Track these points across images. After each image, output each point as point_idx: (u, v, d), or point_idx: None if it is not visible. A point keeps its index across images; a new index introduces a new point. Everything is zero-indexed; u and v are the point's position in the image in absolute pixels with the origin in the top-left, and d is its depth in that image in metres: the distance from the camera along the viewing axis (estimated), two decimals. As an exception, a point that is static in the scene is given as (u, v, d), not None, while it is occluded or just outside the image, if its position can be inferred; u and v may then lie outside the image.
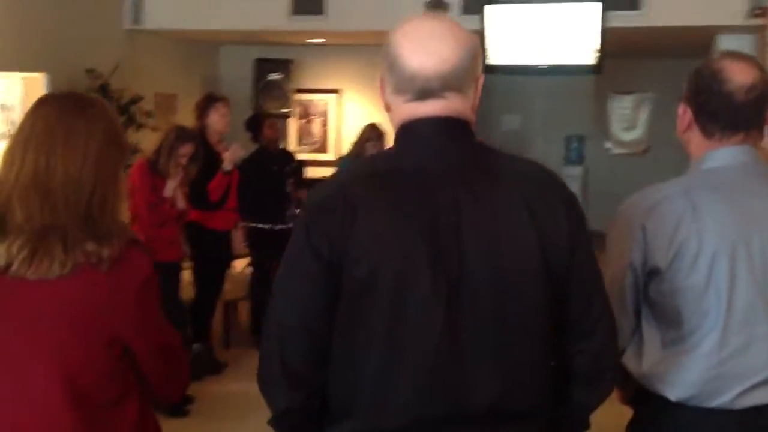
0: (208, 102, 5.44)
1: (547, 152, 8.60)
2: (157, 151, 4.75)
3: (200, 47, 8.62)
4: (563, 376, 1.61)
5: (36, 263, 1.59)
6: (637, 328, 1.92)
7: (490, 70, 6.29)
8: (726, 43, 6.66)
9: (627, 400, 2.00)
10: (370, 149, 6.33)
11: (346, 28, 7.12)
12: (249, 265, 6.54)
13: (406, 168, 1.56)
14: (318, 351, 1.56)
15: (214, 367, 5.55)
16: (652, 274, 1.84)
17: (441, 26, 1.61)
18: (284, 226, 6.15)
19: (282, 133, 6.51)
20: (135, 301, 1.65)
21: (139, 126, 6.54)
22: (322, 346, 1.55)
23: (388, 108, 1.67)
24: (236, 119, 5.56)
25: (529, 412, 1.56)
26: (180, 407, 4.66)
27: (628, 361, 1.91)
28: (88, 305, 1.61)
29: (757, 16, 5.95)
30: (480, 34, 6.29)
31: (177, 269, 4.94)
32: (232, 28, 7.34)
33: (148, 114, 6.76)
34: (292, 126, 8.80)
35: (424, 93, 1.57)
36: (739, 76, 1.84)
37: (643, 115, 8.71)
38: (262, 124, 6.16)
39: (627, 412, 2.02)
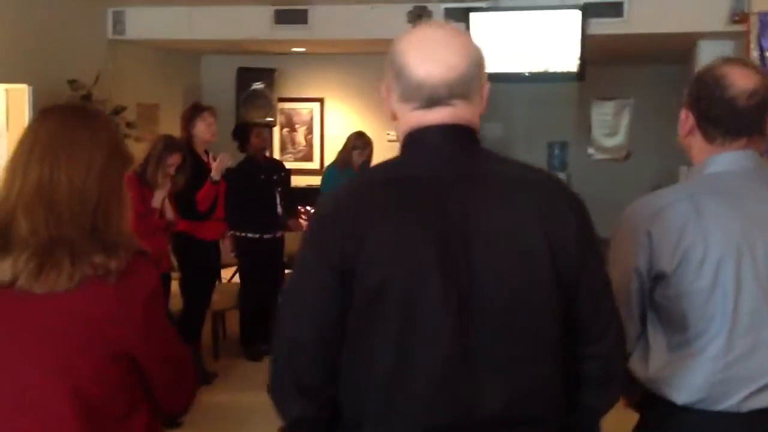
0: (194, 112, 5.42)
1: (529, 159, 8.46)
2: (145, 162, 4.72)
3: (182, 57, 8.61)
4: (573, 381, 1.62)
5: (43, 277, 1.57)
6: (643, 333, 1.93)
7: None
8: (707, 49, 6.73)
9: (632, 405, 2.01)
10: (357, 157, 6.34)
11: (329, 36, 7.13)
12: (236, 273, 6.52)
13: (415, 176, 1.56)
14: (330, 361, 1.55)
15: (203, 378, 5.52)
16: (657, 278, 1.85)
17: (446, 34, 1.61)
18: (273, 235, 6.14)
19: (267, 143, 6.51)
20: (142, 312, 1.64)
21: (123, 137, 6.50)
22: (334, 357, 1.55)
23: (394, 116, 1.66)
24: (219, 129, 5.55)
25: (540, 419, 1.56)
26: (174, 418, 4.62)
27: (634, 365, 1.92)
28: (96, 318, 1.60)
29: (737, 22, 6.01)
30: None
31: (166, 280, 4.91)
32: (215, 38, 7.33)
33: (131, 125, 6.73)
34: (276, 135, 8.79)
35: (431, 101, 1.57)
36: (741, 82, 1.85)
37: (624, 121, 8.76)
38: (249, 133, 6.14)
39: (632, 417, 2.03)
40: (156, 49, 7.98)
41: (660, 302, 1.87)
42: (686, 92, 1.95)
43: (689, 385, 1.84)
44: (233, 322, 6.36)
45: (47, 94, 5.75)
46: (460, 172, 1.56)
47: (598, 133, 8.85)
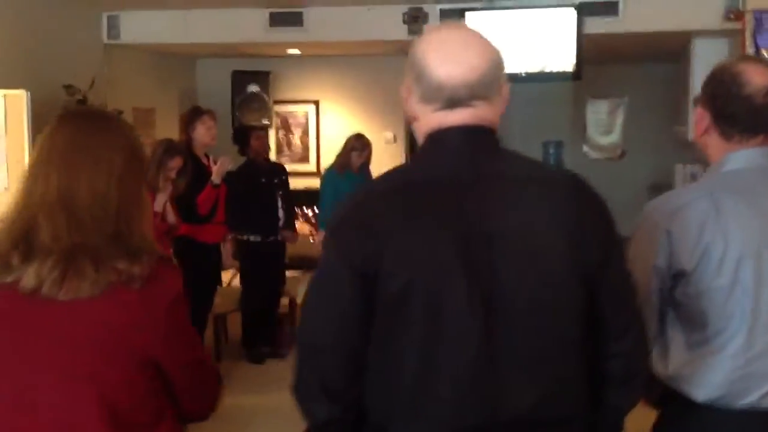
0: (194, 115, 5.42)
1: (525, 158, 8.55)
2: (146, 166, 4.71)
3: (177, 60, 8.58)
4: (597, 380, 1.62)
5: (67, 284, 1.56)
6: (662, 331, 1.94)
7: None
8: (702, 47, 6.75)
9: (651, 403, 2.01)
10: (356, 159, 6.35)
11: (324, 38, 7.12)
12: (235, 275, 6.52)
13: (436, 177, 1.56)
14: (354, 364, 1.56)
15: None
16: (677, 276, 1.86)
17: (466, 35, 1.62)
18: (275, 238, 6.14)
19: (268, 146, 6.52)
20: (166, 318, 1.63)
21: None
22: (359, 360, 1.55)
23: (414, 118, 1.66)
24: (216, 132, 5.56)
25: (566, 419, 1.57)
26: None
27: (654, 363, 1.93)
28: (120, 325, 1.59)
29: (732, 20, 6.03)
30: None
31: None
32: (210, 41, 7.32)
33: (128, 129, 6.69)
34: (272, 137, 8.78)
35: (452, 102, 1.57)
36: (758, 79, 1.86)
37: (619, 120, 8.77)
38: (250, 136, 6.14)
39: (650, 415, 2.04)
40: (151, 53, 7.96)
41: (680, 300, 1.88)
42: (701, 90, 1.96)
43: (709, 382, 1.85)
44: (235, 325, 6.36)
45: (43, 100, 5.73)
46: (481, 173, 1.56)
47: (593, 131, 8.86)
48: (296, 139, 8.94)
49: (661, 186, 8.40)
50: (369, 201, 1.59)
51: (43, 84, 5.88)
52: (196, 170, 5.11)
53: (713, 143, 1.95)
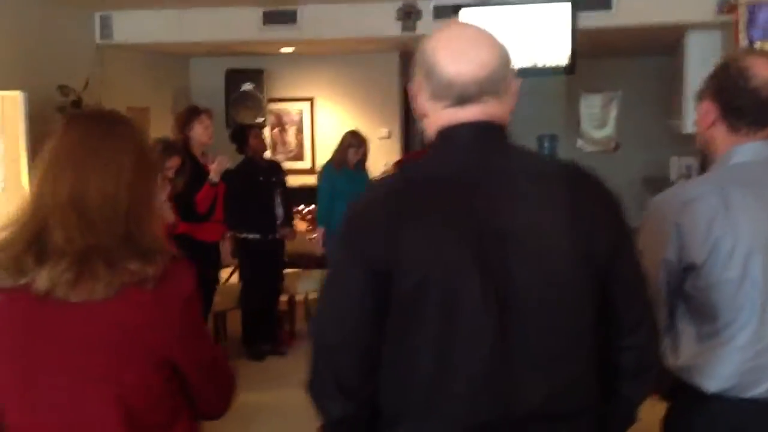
0: (191, 114, 5.41)
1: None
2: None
3: (170, 60, 8.57)
4: (609, 372, 1.63)
5: (81, 285, 1.55)
6: (672, 323, 1.95)
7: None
8: (695, 40, 6.77)
9: (661, 395, 2.03)
10: (352, 156, 6.35)
11: (318, 36, 7.12)
12: (233, 273, 6.52)
13: (447, 174, 1.57)
14: (369, 361, 1.56)
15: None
16: (687, 270, 1.87)
17: (475, 32, 1.63)
18: (273, 236, 6.15)
19: (266, 144, 6.52)
20: (180, 317, 1.63)
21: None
22: (373, 358, 1.56)
23: (424, 115, 1.67)
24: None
25: (579, 412, 1.58)
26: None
27: (664, 355, 1.94)
28: (135, 325, 1.59)
29: (726, 12, 6.04)
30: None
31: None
32: (204, 40, 7.30)
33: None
34: (267, 135, 8.77)
35: (462, 99, 1.58)
36: (765, 72, 1.87)
37: (613, 113, 8.81)
38: (248, 135, 6.14)
39: (660, 407, 2.05)
40: (144, 52, 7.94)
41: (690, 293, 1.90)
42: (707, 84, 1.97)
43: (719, 374, 1.87)
44: (235, 323, 6.36)
45: (37, 101, 5.72)
46: (492, 170, 1.57)
47: (587, 125, 8.89)
48: (291, 137, 8.93)
49: (654, 179, 8.45)
50: (380, 199, 1.59)
51: (36, 85, 5.87)
52: (194, 169, 5.10)
53: (720, 136, 1.96)
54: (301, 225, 7.19)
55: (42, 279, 1.56)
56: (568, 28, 6.39)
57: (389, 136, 8.68)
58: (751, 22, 5.88)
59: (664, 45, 7.73)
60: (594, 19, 6.44)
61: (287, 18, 7.00)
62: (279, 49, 8.11)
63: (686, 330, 1.92)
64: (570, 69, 6.67)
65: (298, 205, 7.33)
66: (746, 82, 1.88)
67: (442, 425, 1.53)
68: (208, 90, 8.56)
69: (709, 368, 1.87)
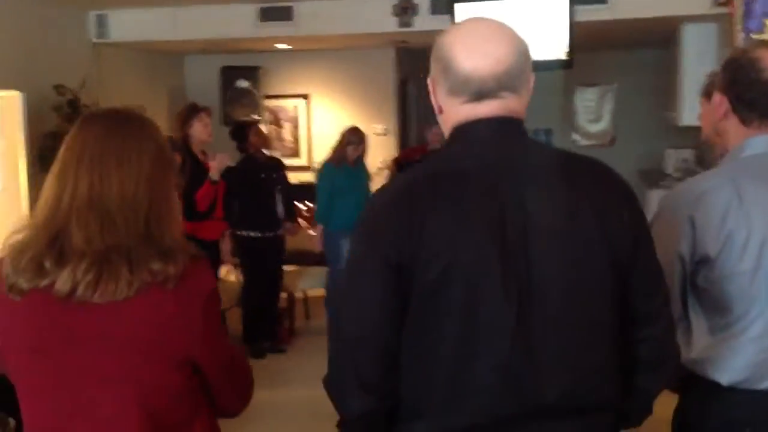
0: (191, 112, 5.41)
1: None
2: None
3: (165, 58, 8.55)
4: (628, 365, 1.64)
5: (102, 286, 1.55)
6: (684, 316, 1.96)
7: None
8: (691, 32, 6.78)
9: (672, 388, 2.04)
10: (352, 152, 6.34)
11: (314, 32, 7.11)
12: (231, 270, 6.51)
13: (468, 168, 1.57)
14: (390, 355, 1.56)
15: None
16: (701, 262, 1.88)
17: (492, 27, 1.62)
18: (274, 233, 6.14)
19: (266, 140, 6.52)
20: (202, 316, 1.63)
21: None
22: (394, 353, 1.56)
23: (440, 110, 1.67)
24: (208, 128, 5.57)
25: (600, 404, 1.59)
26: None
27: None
28: (157, 325, 1.59)
29: (721, 4, 6.05)
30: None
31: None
32: (199, 38, 7.29)
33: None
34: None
35: (480, 94, 1.58)
36: None
37: (608, 107, 8.85)
38: (248, 132, 6.14)
39: (671, 399, 2.06)
40: (139, 50, 7.92)
41: (702, 285, 1.91)
42: (718, 77, 1.98)
43: (732, 366, 1.88)
44: (235, 321, 6.36)
45: (34, 100, 5.71)
46: (512, 164, 1.57)
47: (582, 119, 8.93)
48: (287, 134, 8.92)
49: (651, 171, 8.47)
50: (399, 193, 1.59)
51: (33, 85, 5.86)
52: (194, 167, 5.10)
53: (732, 128, 1.96)
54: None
55: (63, 280, 1.56)
56: (566, 21, 6.39)
57: (385, 133, 8.68)
58: (747, 13, 5.88)
59: (659, 37, 7.74)
60: (590, 13, 6.45)
61: (283, 14, 6.99)
62: (274, 45, 8.10)
63: (698, 323, 1.93)
64: (568, 63, 6.67)
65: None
66: (758, 74, 1.89)
67: (463, 417, 1.53)
68: (202, 87, 8.56)
69: (721, 361, 1.88)
